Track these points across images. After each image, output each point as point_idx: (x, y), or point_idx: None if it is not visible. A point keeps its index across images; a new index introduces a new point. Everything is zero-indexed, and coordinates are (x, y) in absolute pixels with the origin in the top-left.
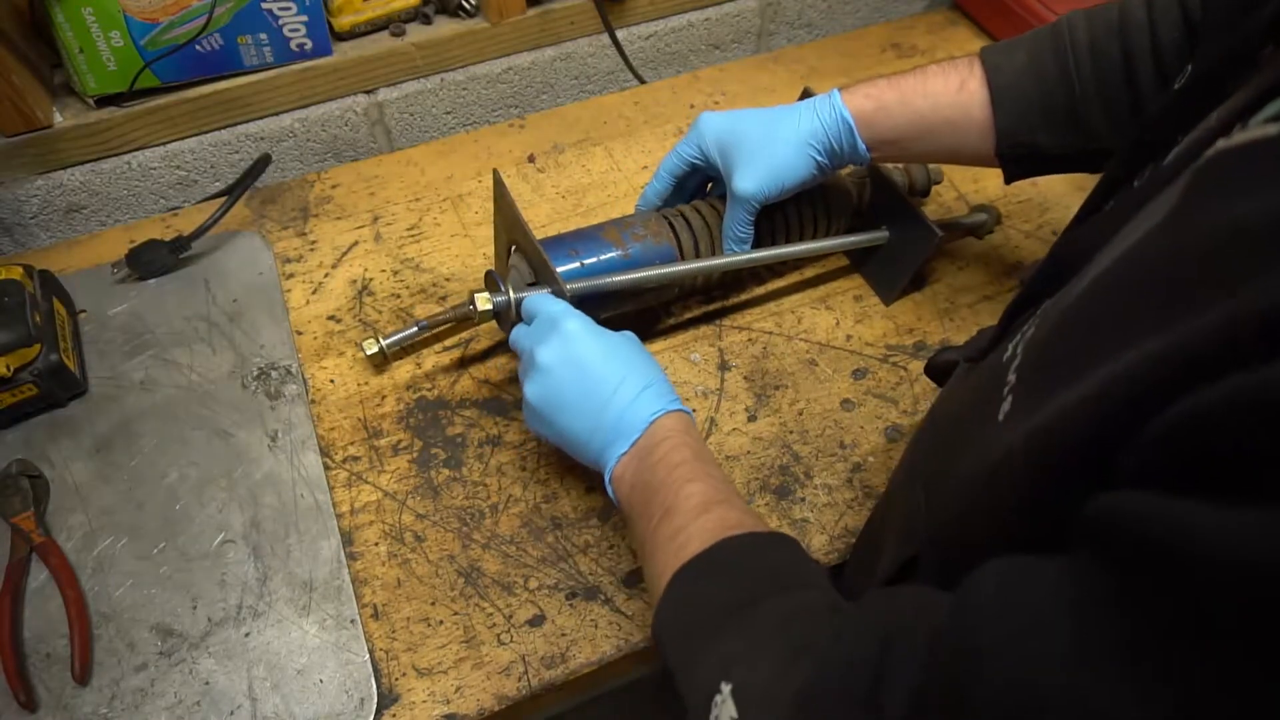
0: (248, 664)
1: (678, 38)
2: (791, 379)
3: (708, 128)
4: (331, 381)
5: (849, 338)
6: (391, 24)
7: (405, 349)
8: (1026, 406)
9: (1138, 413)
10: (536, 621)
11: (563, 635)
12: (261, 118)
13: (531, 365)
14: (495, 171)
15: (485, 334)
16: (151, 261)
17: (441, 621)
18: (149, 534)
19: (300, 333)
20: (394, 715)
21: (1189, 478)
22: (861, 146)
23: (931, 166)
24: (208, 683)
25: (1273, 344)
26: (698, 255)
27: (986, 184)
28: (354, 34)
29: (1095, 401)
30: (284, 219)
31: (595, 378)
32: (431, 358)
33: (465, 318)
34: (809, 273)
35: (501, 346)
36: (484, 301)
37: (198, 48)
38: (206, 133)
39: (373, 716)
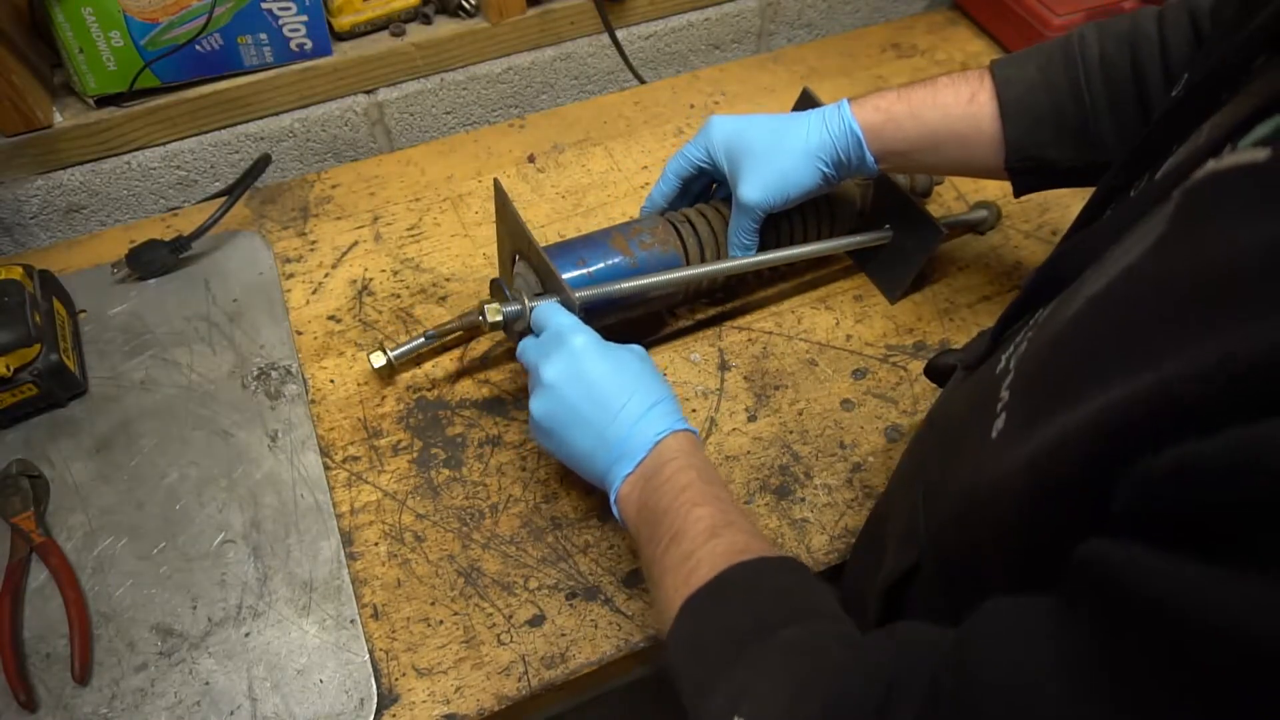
0: (248, 664)
1: (678, 38)
2: (791, 379)
3: (717, 132)
4: (331, 381)
5: (849, 338)
6: (391, 24)
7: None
8: (1019, 428)
9: (1127, 453)
10: (536, 621)
11: (563, 635)
12: (261, 118)
13: (538, 381)
14: (496, 181)
15: (485, 335)
16: (151, 261)
17: (441, 621)
18: (149, 534)
19: (300, 333)
20: (394, 715)
21: (1180, 531)
22: (870, 159)
23: None
24: (208, 683)
25: (1269, 396)
26: (703, 261)
27: (987, 183)
28: (354, 34)
29: (1085, 437)
30: (284, 219)
31: (601, 395)
32: (432, 358)
33: (473, 327)
34: (809, 273)
35: (501, 346)
36: (494, 313)
37: (198, 48)
38: (206, 133)
39: (373, 716)
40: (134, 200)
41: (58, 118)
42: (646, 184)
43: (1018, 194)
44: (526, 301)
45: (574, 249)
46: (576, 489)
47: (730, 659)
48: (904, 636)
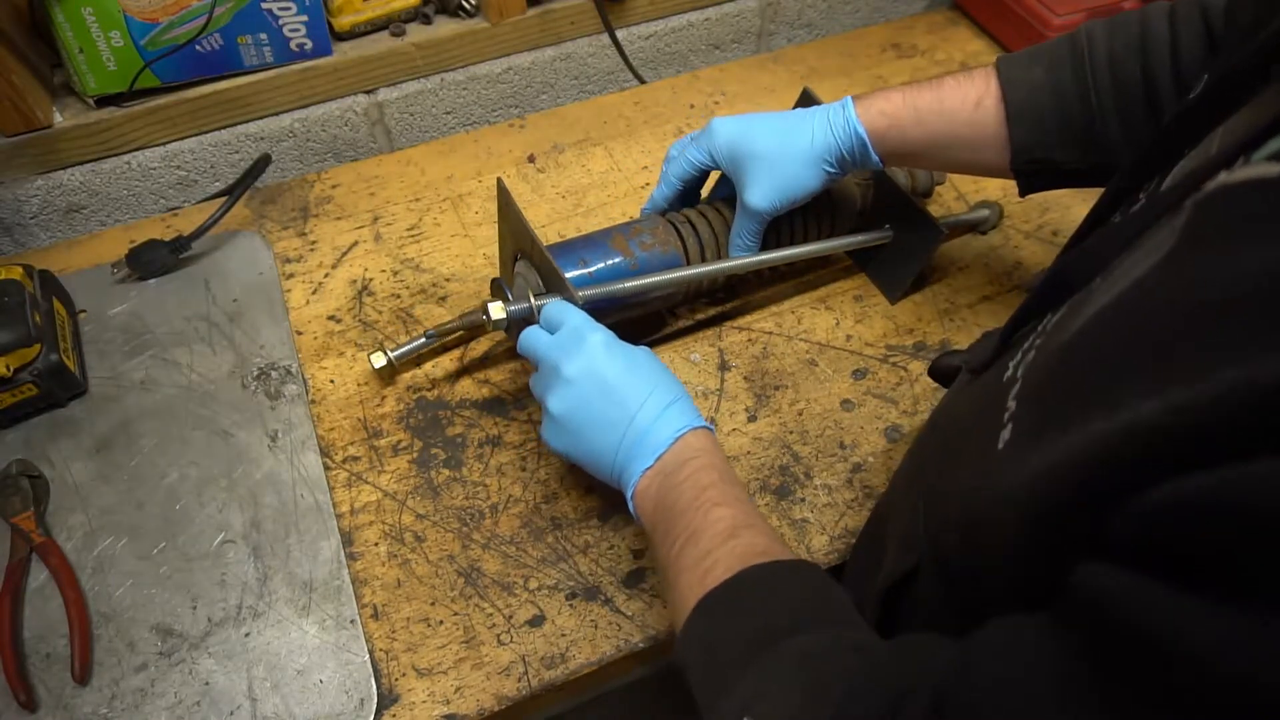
0: (248, 664)
1: (678, 38)
2: (791, 379)
3: (719, 135)
4: (331, 382)
5: (849, 338)
6: (391, 24)
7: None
8: (1025, 441)
9: (1127, 481)
10: (536, 622)
11: (563, 635)
12: (261, 118)
13: (556, 378)
14: (500, 180)
15: (486, 335)
16: (151, 261)
17: (441, 622)
18: (149, 534)
19: (300, 333)
20: (394, 715)
21: (1174, 563)
22: (874, 158)
23: None
24: (208, 683)
25: (1268, 431)
26: (704, 261)
27: (987, 183)
28: (354, 34)
29: (1087, 461)
30: (284, 219)
31: (621, 392)
32: (432, 358)
33: (475, 326)
34: (809, 273)
35: (501, 346)
36: (498, 311)
37: (198, 48)
38: (206, 133)
39: (373, 717)
40: (134, 200)
41: (58, 118)
42: (647, 184)
43: (1023, 194)
44: (532, 300)
45: (574, 249)
46: (577, 489)
47: (743, 661)
48: (914, 649)
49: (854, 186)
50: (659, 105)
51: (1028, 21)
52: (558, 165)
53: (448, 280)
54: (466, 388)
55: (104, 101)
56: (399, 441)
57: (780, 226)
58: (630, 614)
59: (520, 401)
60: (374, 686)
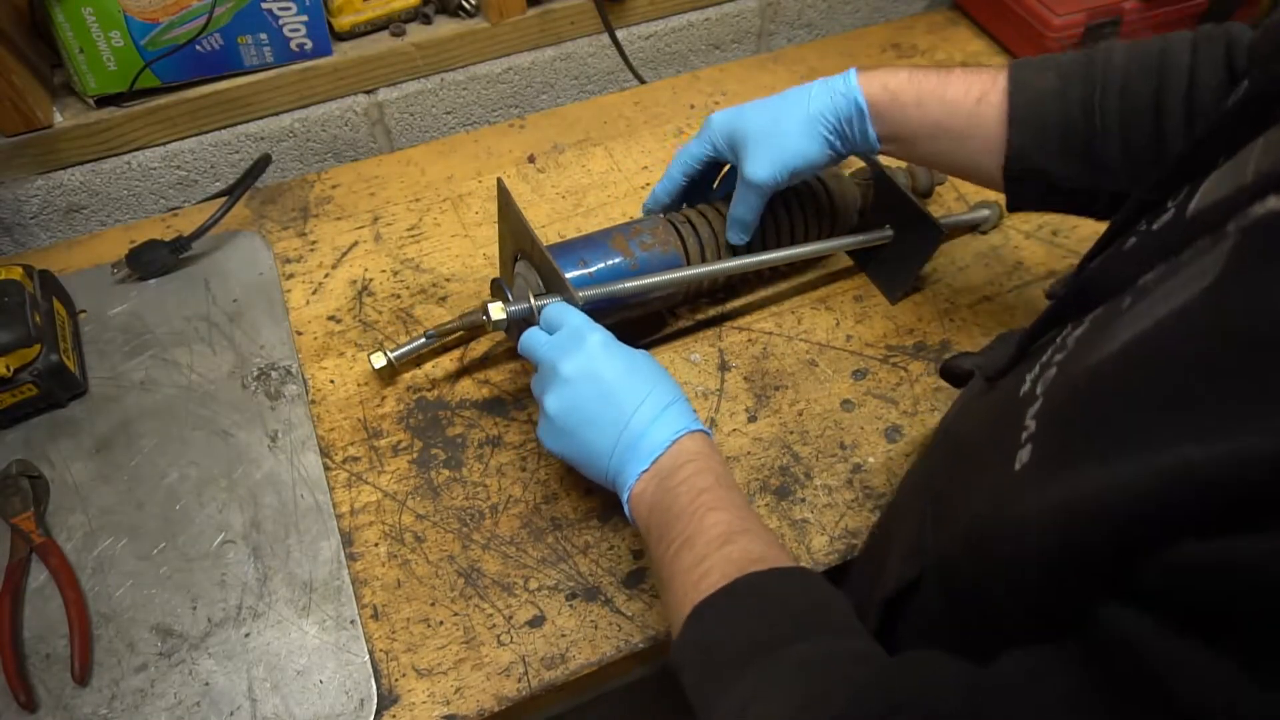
0: (248, 664)
1: (678, 38)
2: (791, 379)
3: (716, 122)
4: (331, 382)
5: (849, 338)
6: (391, 24)
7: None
8: (1046, 466)
9: (1169, 528)
10: (536, 622)
11: (563, 636)
12: (261, 118)
13: (554, 377)
14: (500, 180)
15: (486, 335)
16: (151, 261)
17: (441, 622)
18: (149, 534)
19: (300, 333)
20: (394, 716)
21: (1206, 621)
22: (872, 133)
23: None
24: (208, 683)
25: None
26: (704, 261)
27: None
28: (354, 34)
29: (1125, 505)
30: (284, 219)
31: (619, 394)
32: (432, 359)
33: (475, 326)
34: (809, 273)
35: (501, 346)
36: (498, 311)
37: (198, 48)
38: (206, 133)
39: (372, 717)
40: (134, 200)
41: (58, 118)
42: (647, 184)
43: (1011, 207)
44: (532, 300)
45: (574, 249)
46: (576, 490)
47: (738, 669)
48: (920, 665)
49: (854, 186)
50: (659, 105)
51: (1028, 21)
52: (558, 165)
53: (448, 280)
54: (466, 388)
55: (104, 101)
56: (399, 442)
57: (780, 226)
58: (630, 614)
59: (520, 402)
60: (374, 687)
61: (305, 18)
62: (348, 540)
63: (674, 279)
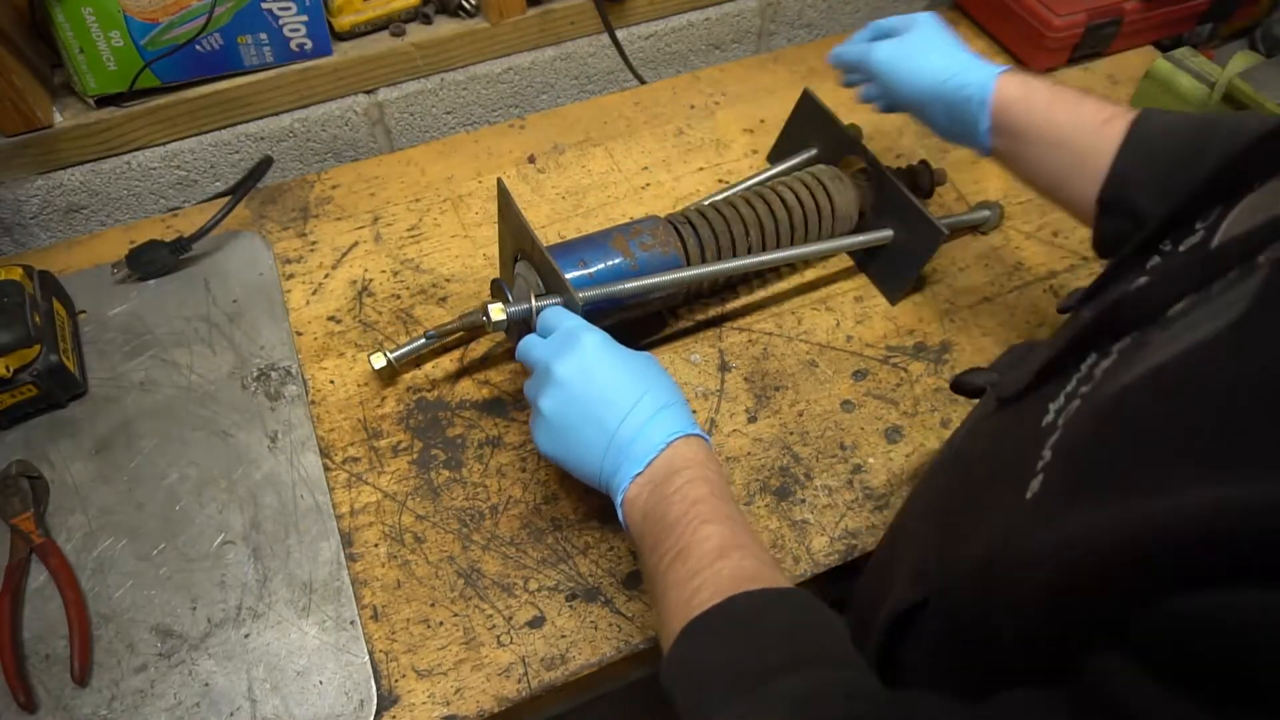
0: (247, 665)
1: (678, 38)
2: (792, 380)
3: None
4: (331, 382)
5: (849, 339)
6: (391, 24)
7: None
8: (1059, 499)
9: (1169, 575)
10: (536, 623)
11: (562, 636)
12: (261, 118)
13: (547, 379)
14: (500, 181)
15: (486, 336)
16: (151, 262)
17: (441, 623)
18: (149, 535)
19: (300, 333)
20: (394, 717)
21: (1198, 675)
22: (984, 125)
23: (935, 166)
24: (207, 684)
25: None
26: (704, 262)
27: (987, 184)
28: (354, 34)
29: (1124, 541)
30: (284, 219)
31: (613, 394)
32: (432, 359)
33: (475, 327)
34: (809, 274)
35: (501, 347)
36: (498, 312)
37: (198, 48)
38: (206, 133)
39: (372, 718)
40: (134, 200)
41: (58, 118)
42: (647, 184)
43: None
44: (532, 302)
45: (575, 250)
46: (576, 490)
47: (728, 696)
48: (915, 704)
49: (854, 187)
50: (659, 105)
51: (1028, 22)
52: (558, 165)
53: (448, 281)
54: (466, 388)
55: (104, 101)
56: (399, 442)
57: (780, 221)
58: (630, 615)
59: (520, 403)
60: (374, 688)
61: (305, 18)
62: (347, 541)
63: (674, 279)
